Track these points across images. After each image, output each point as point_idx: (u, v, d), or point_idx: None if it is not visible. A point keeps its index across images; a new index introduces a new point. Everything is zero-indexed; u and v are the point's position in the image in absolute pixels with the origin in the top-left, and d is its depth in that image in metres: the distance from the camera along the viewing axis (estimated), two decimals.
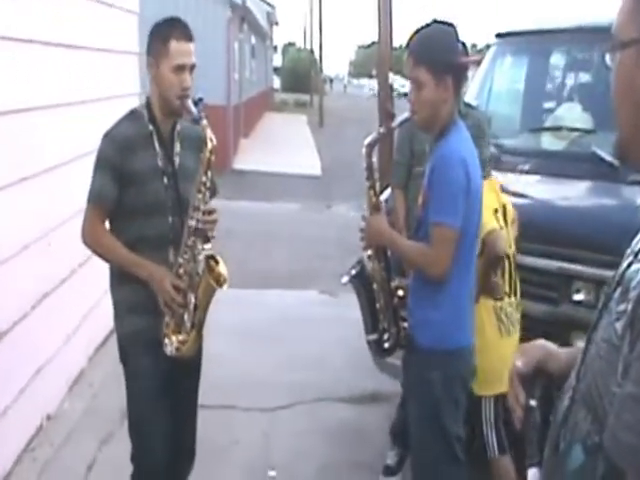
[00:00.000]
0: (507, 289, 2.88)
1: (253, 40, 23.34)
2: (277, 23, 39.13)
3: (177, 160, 2.53)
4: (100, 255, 2.53)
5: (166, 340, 2.47)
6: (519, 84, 4.66)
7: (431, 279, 2.35)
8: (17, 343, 3.40)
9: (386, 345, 2.58)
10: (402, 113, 2.50)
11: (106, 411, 3.91)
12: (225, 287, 2.48)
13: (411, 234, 2.62)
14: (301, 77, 47.98)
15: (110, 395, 4.02)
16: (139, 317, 2.52)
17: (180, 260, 2.46)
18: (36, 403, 3.67)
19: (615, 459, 0.89)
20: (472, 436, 2.82)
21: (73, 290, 4.18)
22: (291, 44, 77.86)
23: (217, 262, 2.50)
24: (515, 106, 4.60)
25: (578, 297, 3.12)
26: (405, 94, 2.79)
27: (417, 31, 2.37)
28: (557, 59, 4.63)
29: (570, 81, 4.60)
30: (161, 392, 2.55)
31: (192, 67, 2.46)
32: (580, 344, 1.15)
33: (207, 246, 2.51)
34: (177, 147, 2.55)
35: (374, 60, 20.18)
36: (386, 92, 8.85)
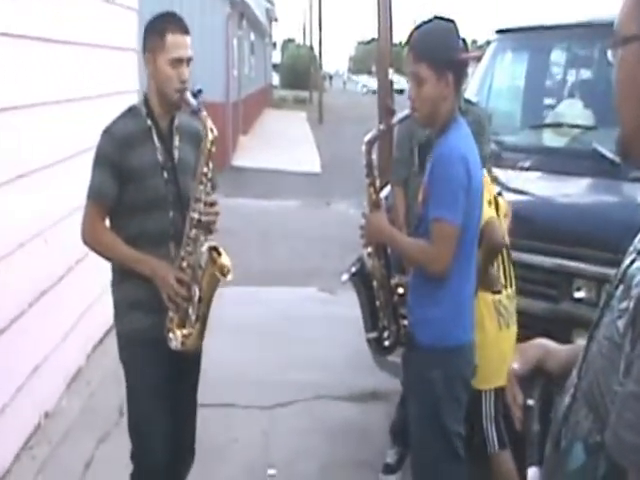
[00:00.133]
0: (503, 281, 2.88)
1: (252, 36, 23.31)
2: (276, 19, 39.12)
3: (176, 154, 2.53)
4: (101, 254, 2.52)
5: (170, 335, 2.46)
6: (520, 80, 4.64)
7: (431, 276, 2.34)
8: (14, 341, 3.39)
9: (386, 343, 2.58)
10: (399, 110, 2.48)
11: (104, 409, 3.91)
12: (229, 277, 2.46)
13: (411, 231, 2.61)
14: (300, 74, 47.94)
15: (108, 393, 4.02)
16: (140, 315, 2.51)
17: (182, 253, 2.45)
18: (34, 401, 3.67)
19: (617, 458, 0.88)
20: (472, 433, 2.81)
21: (70, 288, 4.17)
22: (290, 40, 77.80)
23: (220, 253, 2.49)
24: (516, 102, 4.58)
25: (579, 295, 3.10)
26: (400, 91, 2.78)
27: (417, 27, 2.36)
28: (558, 55, 4.62)
29: (571, 77, 4.58)
30: (161, 390, 2.54)
31: (189, 60, 2.46)
32: (581, 342, 1.14)
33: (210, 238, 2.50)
34: (176, 141, 2.54)
35: (374, 56, 20.19)
36: (386, 88, 8.84)
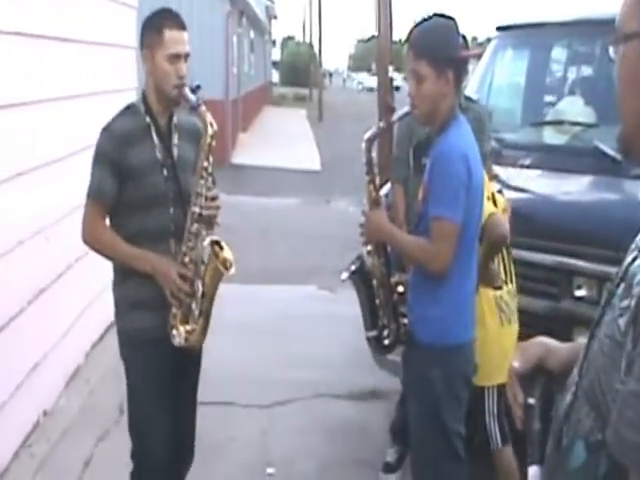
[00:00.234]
0: (504, 277, 2.87)
1: (252, 34, 23.29)
2: (276, 17, 39.10)
3: (176, 152, 2.52)
4: (101, 253, 2.51)
5: (174, 331, 2.45)
6: (520, 77, 4.62)
7: (432, 274, 2.33)
8: (14, 339, 3.39)
9: (386, 342, 2.57)
10: (399, 107, 2.48)
11: (103, 407, 3.90)
12: (232, 270, 2.46)
13: (411, 229, 2.60)
14: (300, 71, 47.96)
15: (107, 391, 4.02)
16: (142, 314, 2.50)
17: (184, 248, 2.44)
18: (33, 399, 3.66)
19: (618, 456, 0.88)
20: (473, 432, 2.80)
21: (70, 286, 4.16)
22: (290, 38, 77.76)
23: (222, 247, 2.48)
24: (516, 100, 4.57)
25: (580, 293, 3.09)
26: (397, 87, 2.78)
27: (417, 25, 2.36)
28: (559, 52, 4.60)
29: (572, 74, 4.56)
30: (162, 389, 2.53)
31: (186, 56, 2.46)
32: (582, 340, 1.14)
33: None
34: (175, 139, 2.53)
35: (374, 54, 20.14)
36: (386, 86, 8.82)
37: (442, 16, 2.36)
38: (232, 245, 2.53)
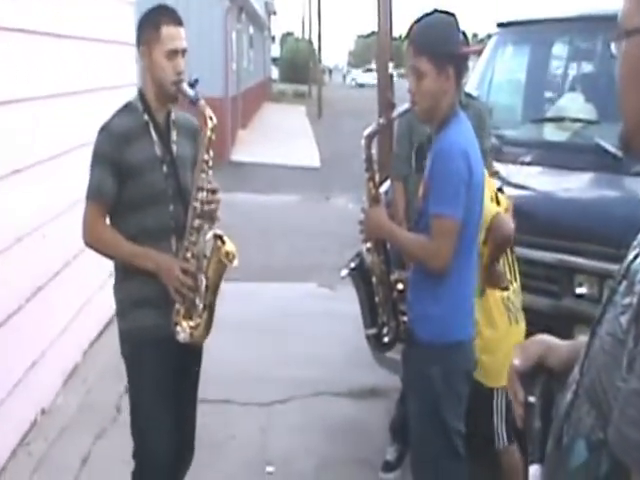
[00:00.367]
0: (509, 276, 2.87)
1: (251, 30, 23.27)
2: (275, 13, 39.10)
3: (175, 148, 2.52)
4: (103, 253, 2.50)
5: (178, 327, 2.45)
6: (521, 74, 4.60)
7: (432, 272, 2.32)
8: (11, 337, 3.38)
9: (385, 339, 2.56)
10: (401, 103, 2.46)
11: (101, 406, 3.89)
12: (235, 263, 2.45)
13: (411, 226, 2.59)
14: (299, 67, 47.90)
15: (105, 390, 4.01)
16: (144, 313, 2.49)
17: (186, 243, 2.43)
18: (31, 397, 3.66)
19: (619, 455, 0.87)
20: (474, 430, 2.79)
21: (68, 283, 4.15)
22: (289, 34, 77.63)
23: (224, 242, 2.47)
24: (517, 96, 4.55)
25: (581, 290, 3.08)
26: None
27: (417, 21, 2.34)
28: (559, 49, 4.58)
29: (573, 71, 4.55)
30: (164, 388, 2.52)
31: (184, 51, 2.45)
32: (583, 338, 1.13)
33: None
34: (174, 135, 2.53)
35: (373, 50, 20.13)
36: (386, 82, 8.80)
37: (442, 12, 2.35)
38: (231, 242, 2.51)
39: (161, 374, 2.50)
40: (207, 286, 2.45)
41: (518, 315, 2.87)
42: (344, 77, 71.99)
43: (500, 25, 4.57)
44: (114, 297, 2.57)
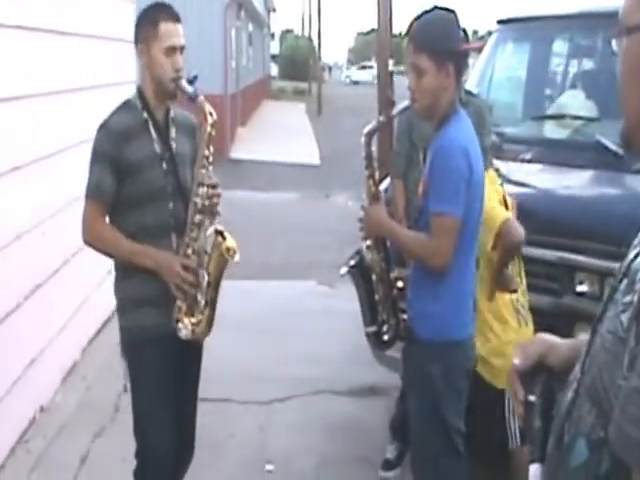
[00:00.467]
0: (518, 279, 2.87)
1: (250, 27, 23.24)
2: (274, 10, 39.04)
3: (174, 145, 2.51)
4: (103, 251, 2.50)
5: (180, 324, 2.44)
6: (521, 71, 4.59)
7: (432, 270, 2.31)
8: (10, 334, 3.38)
9: (385, 337, 2.55)
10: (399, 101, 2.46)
11: (100, 404, 3.88)
12: (237, 257, 2.44)
13: (411, 224, 2.58)
14: (299, 65, 47.84)
15: (104, 388, 4.00)
16: (144, 312, 2.48)
17: (187, 239, 2.43)
18: (29, 395, 3.65)
19: (620, 454, 0.87)
20: (474, 430, 2.78)
21: (67, 281, 4.14)
22: (289, 31, 77.46)
23: (225, 238, 2.46)
24: (517, 94, 4.54)
25: (581, 288, 3.07)
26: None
27: (417, 18, 2.34)
28: (560, 45, 4.57)
29: (573, 68, 4.53)
30: (165, 387, 2.52)
31: (182, 48, 2.45)
32: (583, 336, 1.13)
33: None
34: (173, 133, 2.53)
35: (373, 47, 20.11)
36: (386, 79, 8.79)
37: (442, 9, 2.34)
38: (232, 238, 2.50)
39: (162, 372, 2.50)
40: (209, 282, 2.44)
41: (527, 317, 2.88)
42: (334, 74, 71.85)
43: (500, 22, 4.56)
44: (115, 295, 2.56)
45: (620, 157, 3.21)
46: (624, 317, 0.93)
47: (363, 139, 2.48)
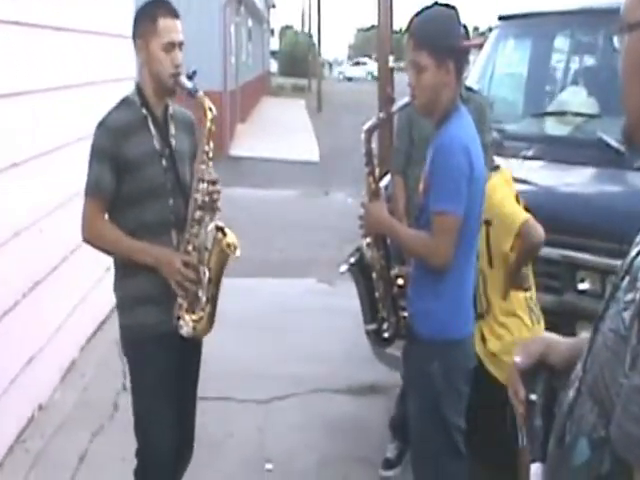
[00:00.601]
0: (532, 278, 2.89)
1: (250, 23, 23.22)
2: (274, 6, 39.01)
3: (173, 142, 2.50)
4: (103, 249, 2.49)
5: (181, 321, 2.44)
6: (522, 68, 4.58)
7: (432, 269, 2.29)
8: (8, 332, 3.37)
9: (385, 335, 2.55)
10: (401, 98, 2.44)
11: (98, 402, 3.87)
12: (237, 253, 2.43)
13: (412, 222, 2.57)
14: (299, 61, 47.79)
15: (102, 386, 3.99)
16: (145, 309, 2.48)
17: (187, 236, 2.42)
18: (28, 393, 3.64)
19: (622, 452, 0.87)
20: (474, 429, 2.77)
21: (65, 278, 4.13)
22: (289, 27, 77.37)
23: (225, 234, 2.45)
24: (518, 90, 4.52)
25: (583, 286, 3.06)
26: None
27: (418, 14, 2.33)
28: (561, 42, 4.56)
29: (575, 65, 4.52)
30: (166, 385, 2.51)
31: (181, 44, 2.44)
32: (585, 334, 1.13)
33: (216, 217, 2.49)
34: (172, 129, 2.52)
35: (374, 44, 20.09)
36: (386, 76, 8.77)
37: (443, 5, 2.33)
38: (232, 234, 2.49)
39: (163, 370, 2.49)
40: (210, 278, 2.44)
41: (539, 315, 2.87)
42: (333, 70, 71.72)
43: (501, 18, 4.55)
44: (114, 293, 2.56)
45: (622, 154, 3.20)
46: (626, 315, 0.93)
47: (363, 136, 2.48)
